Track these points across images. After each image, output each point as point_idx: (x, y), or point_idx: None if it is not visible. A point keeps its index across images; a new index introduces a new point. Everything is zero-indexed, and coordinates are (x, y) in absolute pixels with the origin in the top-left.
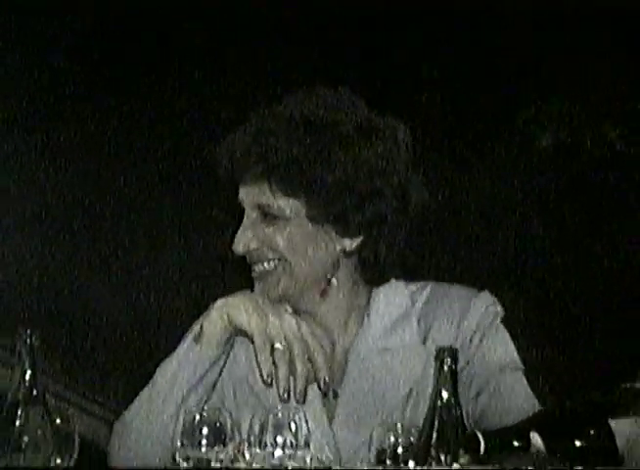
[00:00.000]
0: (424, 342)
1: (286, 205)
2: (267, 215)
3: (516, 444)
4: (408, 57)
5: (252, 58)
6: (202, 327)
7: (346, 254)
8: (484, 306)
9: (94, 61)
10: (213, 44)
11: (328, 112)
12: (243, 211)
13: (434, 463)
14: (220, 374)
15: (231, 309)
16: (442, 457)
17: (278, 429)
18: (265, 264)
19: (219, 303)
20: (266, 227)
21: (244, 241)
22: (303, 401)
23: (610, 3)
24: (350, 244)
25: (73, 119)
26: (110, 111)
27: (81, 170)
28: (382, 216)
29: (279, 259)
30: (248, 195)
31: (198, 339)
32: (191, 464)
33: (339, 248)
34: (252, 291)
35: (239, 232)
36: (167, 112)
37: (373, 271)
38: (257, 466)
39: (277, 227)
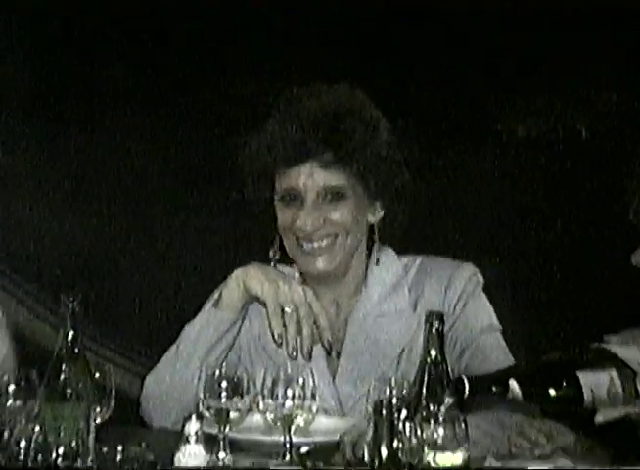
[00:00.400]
0: (414, 308)
1: (350, 185)
2: (331, 196)
3: (495, 389)
4: (401, 54)
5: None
6: (221, 294)
7: (369, 228)
8: (467, 276)
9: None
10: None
11: (357, 101)
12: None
13: (424, 412)
14: (237, 335)
15: (246, 278)
16: (431, 407)
17: (288, 383)
18: (323, 241)
19: (236, 273)
20: (328, 206)
21: (312, 221)
22: (310, 359)
23: (582, 2)
24: (375, 218)
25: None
26: (149, 99)
27: (118, 151)
28: (401, 191)
29: (335, 236)
30: (312, 180)
31: (217, 304)
32: (213, 413)
33: (367, 222)
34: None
35: (304, 213)
36: (198, 105)
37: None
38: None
39: (339, 206)
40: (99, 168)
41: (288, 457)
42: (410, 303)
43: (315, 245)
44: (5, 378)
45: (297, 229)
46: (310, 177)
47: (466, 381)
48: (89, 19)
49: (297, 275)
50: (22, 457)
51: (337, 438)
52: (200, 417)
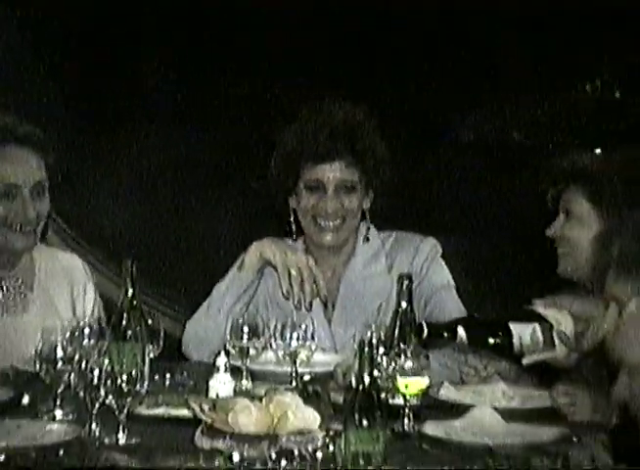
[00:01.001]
0: (389, 271)
1: (358, 180)
2: (346, 188)
3: (447, 334)
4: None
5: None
6: (243, 260)
7: (362, 211)
8: (430, 247)
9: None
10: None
11: (365, 114)
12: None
13: (396, 349)
14: (255, 291)
15: (262, 248)
16: (402, 345)
17: (293, 327)
18: (337, 221)
19: (255, 244)
20: (344, 195)
21: (332, 206)
22: (310, 309)
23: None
24: (368, 202)
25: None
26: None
27: (165, 147)
28: (386, 184)
29: (343, 219)
30: (333, 174)
31: (240, 268)
32: (237, 350)
33: (363, 207)
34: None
35: (326, 199)
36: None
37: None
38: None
39: (350, 196)
40: (153, 161)
41: (294, 383)
42: (386, 267)
43: (330, 224)
44: (81, 323)
45: (319, 211)
46: (333, 173)
47: (425, 327)
48: (135, 37)
49: (301, 246)
50: (95, 382)
51: (331, 369)
52: (227, 353)
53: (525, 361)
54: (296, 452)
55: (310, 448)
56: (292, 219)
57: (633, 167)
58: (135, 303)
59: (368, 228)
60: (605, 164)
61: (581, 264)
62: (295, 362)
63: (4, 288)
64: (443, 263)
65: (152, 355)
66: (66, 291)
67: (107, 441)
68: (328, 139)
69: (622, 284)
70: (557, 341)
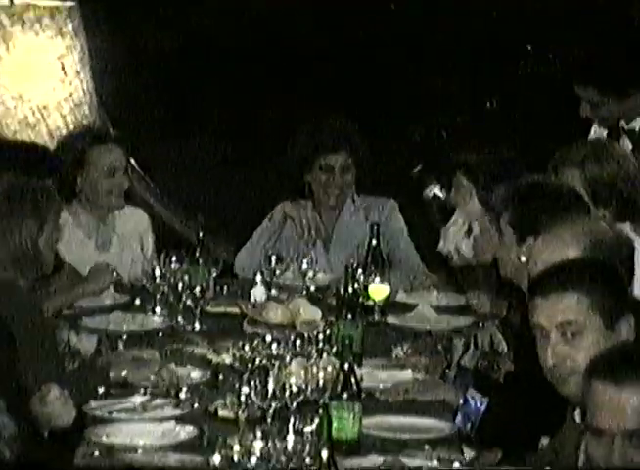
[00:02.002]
0: (365, 221)
1: (352, 162)
2: (346, 169)
3: None
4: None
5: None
6: (272, 214)
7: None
8: (390, 205)
9: None
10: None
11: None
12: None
13: (368, 272)
14: (280, 234)
15: (285, 207)
16: (373, 268)
17: (304, 256)
18: (342, 191)
19: (280, 204)
20: (344, 174)
21: (338, 182)
22: (314, 245)
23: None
24: (358, 174)
25: None
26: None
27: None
28: (366, 164)
29: (341, 188)
30: (339, 161)
31: (270, 219)
32: (268, 271)
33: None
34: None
35: (335, 178)
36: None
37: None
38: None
39: (348, 174)
40: (210, 152)
41: (304, 292)
42: (363, 218)
43: (336, 192)
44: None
45: (329, 184)
46: (338, 160)
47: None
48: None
49: (310, 205)
50: (179, 290)
51: (327, 283)
52: (262, 273)
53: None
54: (305, 335)
55: (314, 332)
56: (307, 189)
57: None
58: (203, 241)
59: (352, 194)
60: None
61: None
62: (304, 278)
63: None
64: (400, 216)
65: (214, 274)
66: (136, 234)
67: (188, 328)
68: (336, 140)
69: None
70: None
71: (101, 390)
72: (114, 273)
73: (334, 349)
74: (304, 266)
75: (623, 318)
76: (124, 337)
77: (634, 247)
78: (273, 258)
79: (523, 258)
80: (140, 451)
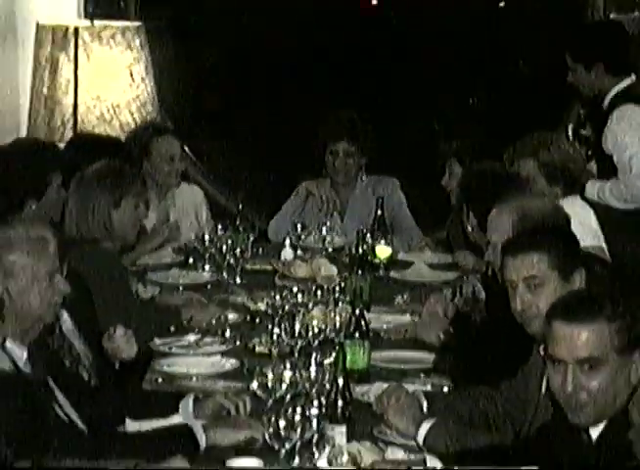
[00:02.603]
0: (373, 194)
1: (355, 150)
2: (351, 152)
3: None
4: None
5: None
6: (298, 190)
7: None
8: (392, 183)
9: None
10: None
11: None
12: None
13: (375, 236)
14: (304, 207)
15: (308, 185)
16: (378, 233)
17: (323, 225)
18: (351, 169)
19: (304, 183)
20: (348, 159)
21: (347, 161)
22: (332, 215)
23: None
24: (363, 161)
25: None
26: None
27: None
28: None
29: (352, 166)
30: (342, 147)
31: (295, 195)
32: (295, 236)
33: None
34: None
35: (342, 159)
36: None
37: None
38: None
39: (351, 158)
40: (249, 137)
41: (324, 252)
42: (371, 194)
43: (343, 173)
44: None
45: (337, 167)
46: (341, 147)
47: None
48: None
49: (328, 183)
50: (224, 252)
51: (343, 245)
52: (289, 238)
53: None
54: (324, 287)
55: (332, 285)
56: (324, 170)
57: None
58: (243, 211)
59: (362, 174)
60: None
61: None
62: (323, 242)
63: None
64: (400, 191)
65: (252, 239)
66: (192, 205)
67: (230, 281)
68: (340, 130)
69: None
70: None
71: (163, 330)
72: (167, 232)
73: (347, 298)
74: (324, 232)
75: (576, 271)
76: (180, 288)
77: (569, 217)
78: (299, 225)
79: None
80: (194, 379)
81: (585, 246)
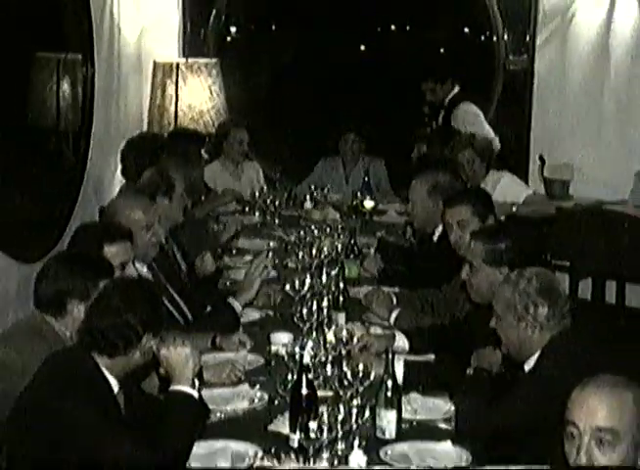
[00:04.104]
0: (366, 167)
1: (358, 139)
2: (354, 142)
3: None
4: None
5: None
6: (318, 165)
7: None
8: (380, 161)
9: None
10: None
11: None
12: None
13: (364, 198)
14: (321, 175)
15: (326, 161)
16: (366, 193)
17: (333, 187)
18: (351, 153)
19: (322, 160)
20: (354, 145)
21: (349, 150)
22: (339, 181)
23: None
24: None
25: None
26: None
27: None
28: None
29: (354, 152)
30: (349, 139)
31: (316, 167)
32: (312, 195)
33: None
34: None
35: (349, 146)
36: None
37: None
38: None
39: (355, 144)
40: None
41: (332, 204)
42: (366, 167)
43: (349, 154)
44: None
45: (345, 150)
46: (349, 137)
47: None
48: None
49: (340, 161)
50: (265, 206)
51: (343, 200)
52: (310, 196)
53: None
54: (332, 226)
55: (336, 225)
56: (339, 151)
57: None
58: (281, 178)
59: (363, 156)
60: None
61: None
62: (332, 197)
63: (234, 174)
64: (383, 166)
65: (285, 195)
66: (254, 173)
67: (271, 222)
68: (348, 124)
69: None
70: None
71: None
72: (234, 193)
73: (346, 232)
74: (332, 192)
75: (490, 216)
76: (239, 227)
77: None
78: (315, 189)
79: None
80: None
81: (505, 201)
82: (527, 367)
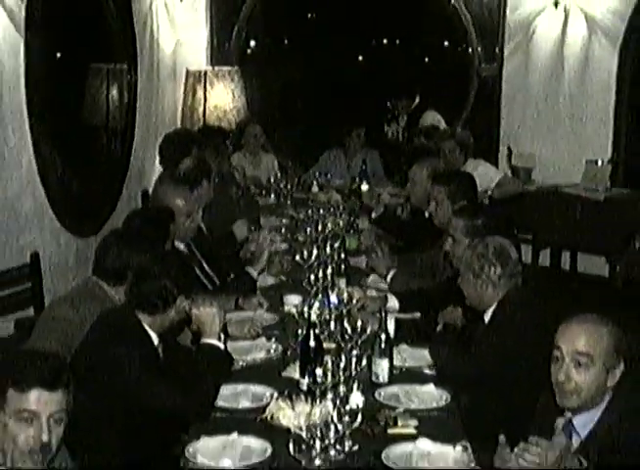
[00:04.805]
0: (364, 158)
1: (362, 133)
2: (358, 136)
3: None
4: None
5: None
6: (323, 155)
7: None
8: (375, 152)
9: None
10: None
11: None
12: None
13: (362, 183)
14: (327, 164)
15: (330, 152)
16: (363, 179)
17: (336, 174)
18: (355, 145)
19: (327, 151)
20: (357, 139)
21: (354, 143)
22: (340, 168)
23: None
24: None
25: None
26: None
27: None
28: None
29: (357, 144)
30: (355, 133)
31: (322, 157)
32: (318, 180)
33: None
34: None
35: (354, 140)
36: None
37: None
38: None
39: (358, 138)
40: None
41: (335, 189)
42: (363, 157)
43: (354, 145)
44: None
45: (352, 142)
46: (354, 133)
47: None
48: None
49: (342, 152)
50: (279, 189)
51: (344, 185)
52: (316, 181)
53: None
54: (335, 205)
55: (338, 204)
56: (343, 144)
57: None
58: (293, 167)
59: (362, 147)
60: None
61: None
62: (335, 183)
63: (253, 163)
64: (378, 156)
65: (296, 180)
66: (270, 162)
67: (284, 203)
68: (354, 123)
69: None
70: None
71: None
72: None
73: (346, 210)
74: (335, 178)
75: (462, 198)
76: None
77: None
78: (321, 176)
79: None
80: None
81: (481, 185)
82: (487, 318)
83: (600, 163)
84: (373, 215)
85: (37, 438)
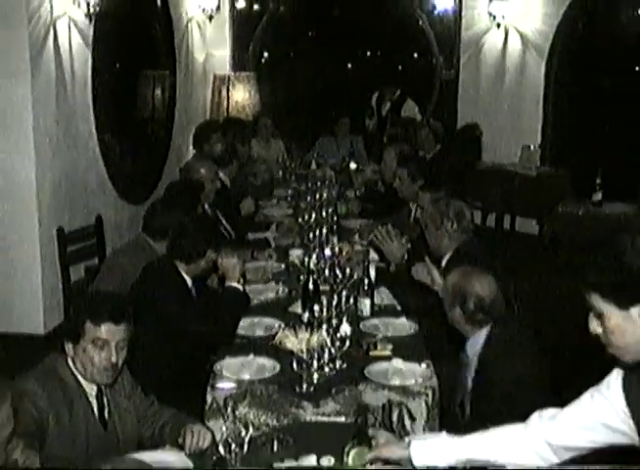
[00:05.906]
0: (351, 143)
1: (348, 122)
2: (345, 124)
3: None
4: None
5: None
6: (318, 141)
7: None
8: (360, 138)
9: None
10: None
11: None
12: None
13: (350, 163)
14: (320, 148)
15: (323, 139)
16: (351, 159)
17: (328, 155)
18: (343, 132)
19: (321, 137)
20: (345, 127)
21: (341, 130)
22: (333, 151)
23: None
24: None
25: None
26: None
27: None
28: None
29: (344, 131)
30: (343, 123)
31: (317, 142)
32: (317, 160)
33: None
34: None
35: (342, 128)
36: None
37: None
38: None
39: (346, 126)
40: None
41: (328, 166)
42: (350, 141)
43: (341, 134)
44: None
45: (341, 130)
46: (343, 121)
47: None
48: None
49: (333, 139)
50: (285, 167)
51: (336, 164)
52: (315, 161)
53: None
54: (330, 180)
55: (331, 179)
56: (334, 132)
57: None
58: (297, 148)
59: (349, 134)
60: None
61: None
62: (328, 162)
63: (267, 149)
64: (362, 141)
65: (299, 160)
66: (276, 148)
67: (289, 178)
68: (342, 114)
69: None
70: None
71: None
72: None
73: (338, 183)
74: (329, 158)
75: (421, 177)
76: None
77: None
78: (318, 156)
79: None
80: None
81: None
82: (443, 264)
83: (532, 147)
84: (356, 188)
85: (108, 359)
